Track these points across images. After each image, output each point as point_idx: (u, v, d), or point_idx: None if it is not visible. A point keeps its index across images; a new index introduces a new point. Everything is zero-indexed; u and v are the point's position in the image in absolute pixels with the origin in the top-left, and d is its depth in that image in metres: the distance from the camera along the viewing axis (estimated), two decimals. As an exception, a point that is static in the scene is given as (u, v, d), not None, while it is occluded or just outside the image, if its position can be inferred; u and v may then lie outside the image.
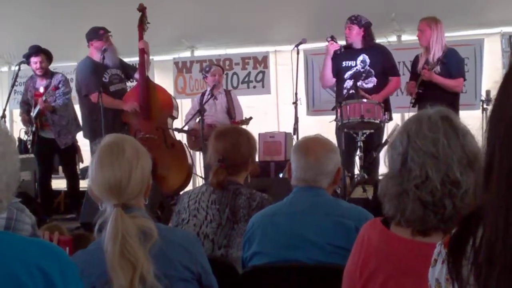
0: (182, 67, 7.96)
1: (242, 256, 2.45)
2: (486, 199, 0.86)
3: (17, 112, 6.76)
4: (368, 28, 5.60)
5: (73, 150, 6.29)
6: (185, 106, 7.25)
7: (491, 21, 6.77)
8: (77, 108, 6.25)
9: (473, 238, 0.89)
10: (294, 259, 2.25)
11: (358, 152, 5.33)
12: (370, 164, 5.33)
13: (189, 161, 6.07)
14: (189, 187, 6.13)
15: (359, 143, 5.30)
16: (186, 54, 8.10)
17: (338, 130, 5.31)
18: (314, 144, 2.42)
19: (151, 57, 6.62)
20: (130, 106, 5.90)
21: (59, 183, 6.56)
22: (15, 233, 1.89)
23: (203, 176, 6.03)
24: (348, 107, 5.13)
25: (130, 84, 6.56)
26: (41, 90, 6.00)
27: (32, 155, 6.11)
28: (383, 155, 5.40)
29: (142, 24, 6.03)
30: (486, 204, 0.86)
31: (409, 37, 6.97)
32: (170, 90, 7.07)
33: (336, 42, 5.63)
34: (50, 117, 5.97)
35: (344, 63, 5.63)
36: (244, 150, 2.79)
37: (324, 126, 5.73)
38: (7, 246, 1.28)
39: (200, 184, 4.76)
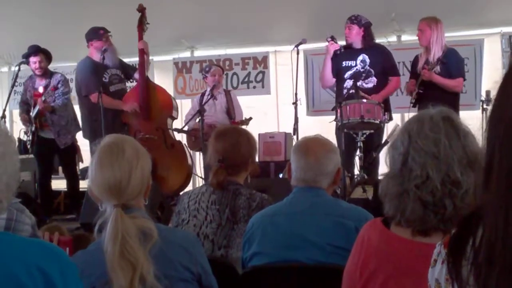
0: (182, 67, 7.96)
1: (242, 257, 2.45)
2: (486, 199, 0.86)
3: (17, 112, 6.76)
4: (368, 28, 5.60)
5: (73, 150, 6.29)
6: (185, 106, 7.25)
7: (491, 21, 6.77)
8: (76, 108, 6.25)
9: (473, 238, 0.89)
10: (294, 260, 2.25)
11: (358, 153, 5.32)
12: (370, 165, 5.33)
13: (189, 161, 6.07)
14: (189, 187, 6.13)
15: (359, 143, 5.30)
16: (186, 54, 8.10)
17: (338, 130, 5.31)
18: (314, 144, 2.42)
19: (151, 57, 6.63)
20: (130, 107, 5.90)
21: (59, 184, 6.56)
22: (15, 234, 1.89)
23: (203, 177, 6.03)
24: (348, 107, 5.13)
25: (130, 85, 6.56)
26: (40, 90, 5.99)
27: (31, 156, 6.11)
28: (383, 155, 5.42)
29: (141, 25, 6.03)
30: (486, 204, 0.86)
31: (409, 37, 6.98)
32: (170, 91, 7.07)
33: (336, 42, 5.64)
34: (49, 117, 5.96)
35: (344, 63, 5.63)
36: (244, 151, 2.79)
37: (324, 126, 5.73)
38: (7, 247, 1.28)
39: (200, 184, 4.76)
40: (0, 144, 1.31)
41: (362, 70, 5.57)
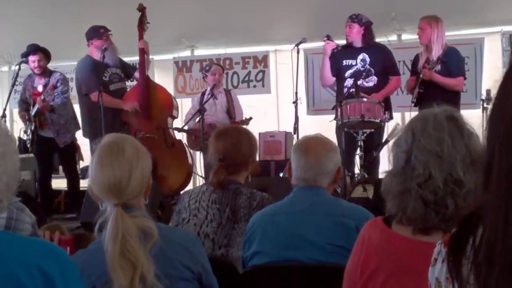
0: (182, 67, 7.96)
1: (243, 256, 2.45)
2: (486, 199, 0.86)
3: (17, 111, 6.75)
4: (368, 27, 5.59)
5: (73, 149, 6.29)
6: (185, 105, 7.25)
7: (492, 20, 6.77)
8: (76, 107, 6.25)
9: (473, 237, 0.89)
10: (294, 259, 2.25)
11: (358, 151, 5.33)
12: (370, 164, 5.33)
13: (189, 160, 6.07)
14: (189, 186, 6.13)
15: (359, 142, 5.30)
16: (186, 53, 8.10)
17: (338, 129, 5.31)
18: (314, 143, 2.42)
19: (151, 57, 6.63)
20: (130, 106, 5.90)
21: (59, 183, 6.56)
22: (15, 233, 1.89)
23: (203, 176, 6.03)
24: (348, 106, 5.13)
25: (130, 84, 6.56)
26: (40, 89, 5.99)
27: (31, 155, 6.11)
28: (383, 154, 5.44)
29: (142, 24, 6.03)
30: (486, 204, 0.86)
31: (409, 36, 6.97)
32: (170, 90, 7.06)
33: (332, 41, 5.63)
34: (48, 116, 5.96)
35: (344, 62, 5.63)
36: (245, 150, 2.79)
37: (324, 126, 5.74)
38: (7, 246, 1.28)
39: (201, 183, 4.76)
40: (0, 143, 1.31)
41: (362, 69, 5.57)
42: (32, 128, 5.97)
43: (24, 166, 5.72)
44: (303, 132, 4.82)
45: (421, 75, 5.32)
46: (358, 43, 5.60)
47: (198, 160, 6.47)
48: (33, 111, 5.93)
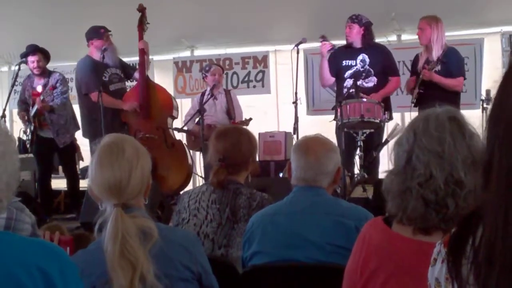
0: (182, 67, 7.96)
1: (242, 256, 2.45)
2: (486, 199, 0.86)
3: (17, 112, 6.75)
4: (368, 27, 5.59)
5: (72, 149, 6.29)
6: (185, 105, 7.25)
7: (491, 20, 6.77)
8: (75, 107, 6.25)
9: (473, 237, 0.90)
10: (294, 259, 2.25)
11: (358, 152, 5.33)
12: (370, 164, 5.33)
13: (189, 161, 6.07)
14: (189, 186, 6.13)
15: (359, 142, 5.30)
16: (186, 53, 8.10)
17: (338, 129, 5.31)
18: (314, 143, 2.42)
19: (151, 57, 6.63)
20: (130, 106, 5.90)
21: (59, 183, 6.56)
22: (15, 233, 1.89)
23: (203, 176, 6.03)
24: (348, 106, 5.13)
25: (130, 84, 6.56)
26: (39, 89, 5.99)
27: (31, 155, 6.11)
28: (383, 154, 5.44)
29: (142, 24, 6.03)
30: (486, 204, 0.86)
31: (409, 37, 6.97)
32: (170, 90, 7.07)
33: (327, 41, 5.64)
34: (48, 116, 5.95)
35: (344, 62, 5.63)
36: (245, 150, 2.79)
37: (324, 126, 5.74)
38: (7, 247, 1.28)
39: (200, 184, 4.76)
40: (0, 143, 1.31)
41: (362, 69, 5.57)
42: (32, 128, 5.97)
43: (24, 166, 5.72)
44: (303, 132, 4.82)
45: (421, 76, 5.32)
46: (358, 43, 5.60)
47: (198, 160, 6.48)
48: (32, 112, 5.93)
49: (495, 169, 0.84)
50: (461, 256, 0.92)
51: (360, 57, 5.58)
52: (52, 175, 6.29)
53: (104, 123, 5.51)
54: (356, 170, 5.38)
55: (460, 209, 1.45)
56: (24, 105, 6.14)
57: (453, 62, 5.38)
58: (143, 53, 6.05)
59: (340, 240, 2.21)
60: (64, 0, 7.45)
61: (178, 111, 6.43)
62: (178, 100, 6.80)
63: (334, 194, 2.83)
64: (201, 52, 8.05)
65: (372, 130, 5.30)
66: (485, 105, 5.59)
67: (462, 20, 6.69)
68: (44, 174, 6.10)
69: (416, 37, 5.58)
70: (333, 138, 4.60)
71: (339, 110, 5.14)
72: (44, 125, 6.00)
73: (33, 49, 5.99)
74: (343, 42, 5.74)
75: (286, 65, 6.55)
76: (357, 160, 5.37)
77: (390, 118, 5.58)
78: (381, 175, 5.12)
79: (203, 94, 6.48)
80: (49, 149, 6.04)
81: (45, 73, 6.06)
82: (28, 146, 6.07)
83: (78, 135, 6.35)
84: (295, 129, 5.52)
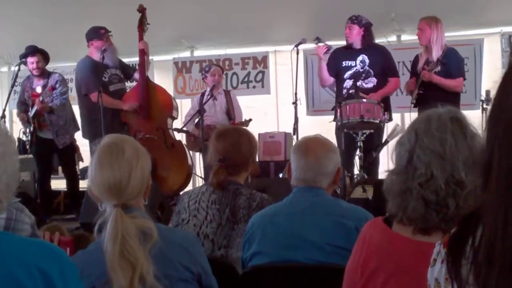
0: (181, 67, 7.96)
1: (242, 256, 2.45)
2: (485, 199, 0.86)
3: (16, 112, 6.75)
4: (368, 28, 5.60)
5: (72, 150, 6.29)
6: (184, 106, 7.26)
7: (491, 21, 6.78)
8: (75, 108, 6.25)
9: (473, 237, 0.90)
10: (294, 259, 2.25)
11: (358, 152, 5.33)
12: (370, 164, 5.34)
13: (189, 161, 6.07)
14: (189, 187, 6.13)
15: (359, 143, 5.30)
16: (186, 54, 8.11)
17: (338, 130, 5.31)
18: (314, 144, 2.42)
19: (150, 57, 6.63)
20: (130, 106, 5.91)
21: (58, 184, 6.56)
22: (15, 234, 1.89)
23: (203, 176, 6.03)
24: (347, 107, 5.13)
25: (130, 85, 6.56)
26: (38, 90, 5.99)
27: (31, 156, 6.11)
28: (383, 155, 5.43)
29: (142, 25, 6.04)
30: (485, 204, 0.86)
31: (409, 37, 6.98)
32: (170, 90, 7.07)
33: (322, 43, 5.64)
34: (47, 117, 5.95)
35: (343, 63, 5.63)
36: (245, 150, 2.79)
37: (324, 126, 5.74)
38: (7, 247, 1.28)
39: (200, 184, 4.76)
40: (0, 144, 1.31)
41: (362, 70, 5.58)
42: (31, 129, 5.97)
43: (24, 167, 5.73)
44: (303, 132, 4.82)
45: (420, 77, 5.32)
46: (357, 44, 5.60)
47: (198, 161, 6.48)
48: (31, 113, 5.93)
49: (494, 170, 0.84)
50: (461, 257, 0.92)
51: (360, 58, 5.58)
52: (52, 176, 6.29)
53: (104, 124, 5.51)
54: (356, 171, 5.38)
55: (460, 210, 1.45)
56: (23, 106, 6.14)
57: (453, 62, 5.38)
58: (143, 53, 6.05)
59: (340, 241, 2.21)
60: (64, 0, 7.45)
61: (178, 112, 6.43)
62: (178, 101, 6.81)
63: (334, 194, 2.83)
64: (201, 52, 8.05)
65: (372, 131, 5.31)
66: (485, 106, 5.60)
67: (462, 21, 6.69)
68: (43, 174, 6.10)
69: (416, 37, 5.58)
70: (333, 139, 4.60)
71: (338, 110, 5.14)
72: (43, 126, 6.00)
73: (32, 50, 5.99)
74: (343, 43, 5.74)
75: (286, 66, 6.56)
76: (357, 160, 5.37)
77: (390, 118, 5.59)
78: (381, 176, 5.12)
79: (202, 94, 6.48)
80: (49, 150, 6.04)
81: (44, 74, 6.06)
82: (27, 146, 6.07)
83: (78, 135, 6.35)
84: (295, 130, 5.52)
